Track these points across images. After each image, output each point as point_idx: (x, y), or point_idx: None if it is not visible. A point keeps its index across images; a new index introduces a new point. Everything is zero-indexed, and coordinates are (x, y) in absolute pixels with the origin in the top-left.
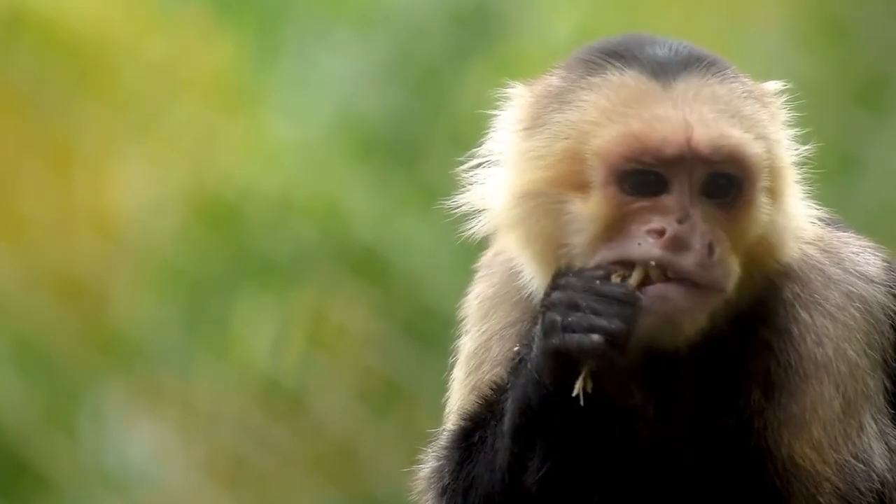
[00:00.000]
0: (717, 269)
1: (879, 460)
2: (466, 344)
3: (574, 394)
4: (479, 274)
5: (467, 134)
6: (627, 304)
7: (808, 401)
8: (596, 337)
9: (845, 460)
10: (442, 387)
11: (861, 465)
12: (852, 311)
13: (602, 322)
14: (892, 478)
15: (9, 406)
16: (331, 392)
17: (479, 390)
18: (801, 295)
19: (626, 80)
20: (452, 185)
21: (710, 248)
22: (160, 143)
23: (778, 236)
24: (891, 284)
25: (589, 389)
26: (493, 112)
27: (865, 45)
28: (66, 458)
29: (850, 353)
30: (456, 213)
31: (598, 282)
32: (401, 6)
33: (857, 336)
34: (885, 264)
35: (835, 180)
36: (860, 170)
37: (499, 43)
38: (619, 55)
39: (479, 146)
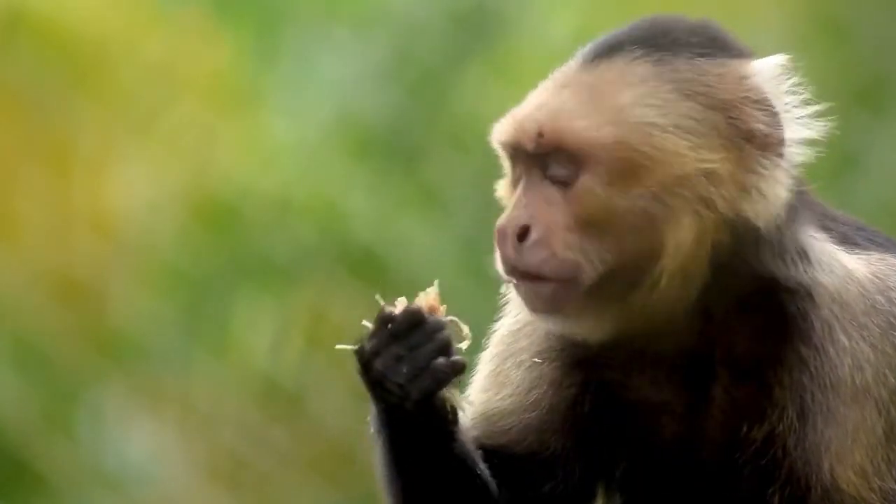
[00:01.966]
0: (533, 254)
1: None
2: (482, 369)
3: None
4: (506, 307)
5: (467, 134)
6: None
7: (850, 426)
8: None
9: (890, 487)
10: None
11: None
12: (893, 338)
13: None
14: None
15: (7, 406)
16: (330, 392)
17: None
18: (841, 318)
19: (566, 66)
20: (452, 186)
21: (523, 231)
22: (159, 144)
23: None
24: None
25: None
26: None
27: (865, 45)
28: (65, 459)
29: (891, 379)
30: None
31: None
32: (400, 7)
33: None
34: None
35: (834, 180)
36: (860, 170)
37: (498, 43)
38: (596, 40)
39: (479, 147)
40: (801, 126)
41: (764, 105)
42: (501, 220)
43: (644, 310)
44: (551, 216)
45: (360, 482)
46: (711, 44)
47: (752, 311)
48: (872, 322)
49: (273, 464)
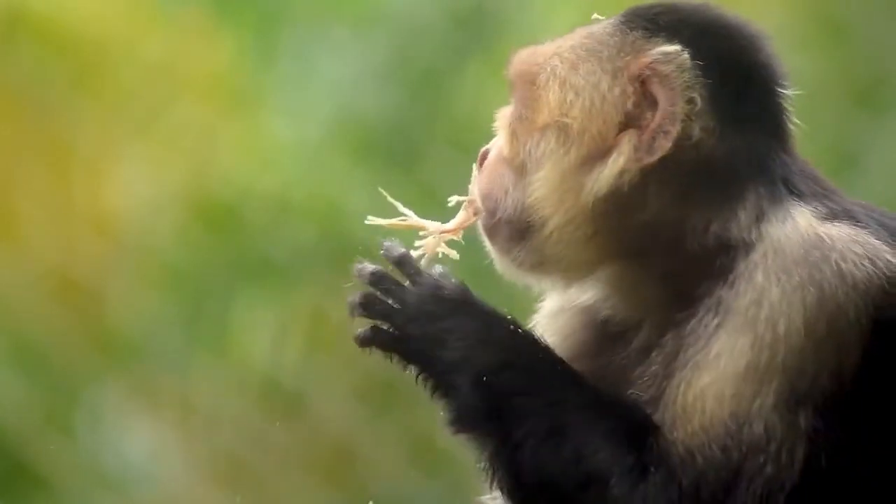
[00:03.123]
0: (479, 180)
1: (761, 427)
2: None
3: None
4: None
5: (466, 134)
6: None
7: (716, 348)
8: None
9: (720, 415)
10: None
11: (734, 426)
12: (809, 295)
13: None
14: (774, 449)
15: (7, 406)
16: (330, 392)
17: None
18: (771, 262)
19: None
20: (452, 186)
21: (483, 156)
22: (159, 144)
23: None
24: (874, 292)
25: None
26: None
27: (865, 45)
28: (65, 459)
29: (782, 327)
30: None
31: None
32: (399, 7)
33: (801, 317)
34: (882, 273)
35: (834, 180)
36: (859, 170)
37: (497, 43)
38: None
39: (479, 147)
40: (675, 120)
41: (658, 87)
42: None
43: (552, 257)
44: (497, 145)
45: (359, 482)
46: (668, 24)
47: (686, 273)
48: (797, 271)
49: (273, 464)
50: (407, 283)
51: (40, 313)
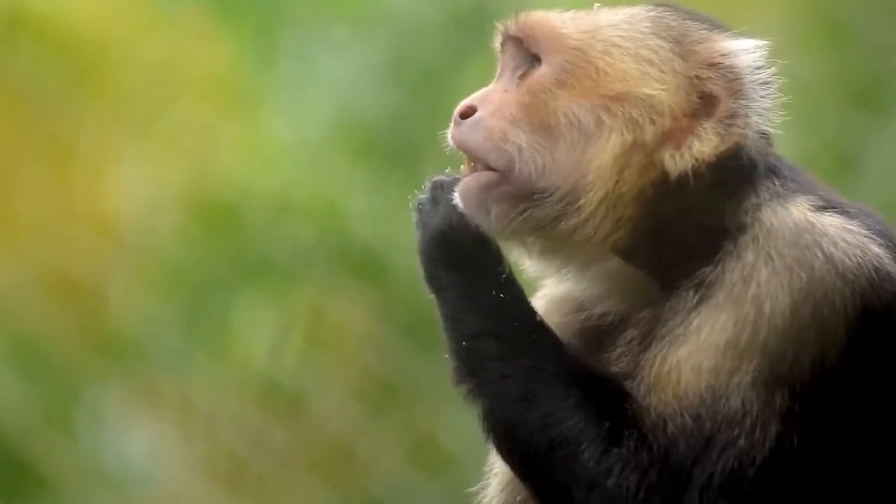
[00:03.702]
0: (471, 132)
1: (737, 401)
2: None
3: None
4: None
5: None
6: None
7: (696, 322)
8: None
9: (696, 387)
10: (441, 387)
11: (710, 398)
12: (797, 277)
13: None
14: (749, 424)
15: (8, 406)
16: (330, 392)
17: None
18: (762, 243)
19: None
20: None
21: (468, 111)
22: (159, 144)
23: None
24: (861, 282)
25: None
26: None
27: (865, 45)
28: (65, 459)
29: (768, 307)
30: None
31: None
32: (399, 7)
33: (788, 298)
34: (871, 264)
35: (833, 180)
36: (859, 170)
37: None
38: None
39: None
40: (755, 112)
41: (731, 78)
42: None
43: (570, 245)
44: (503, 103)
45: (359, 482)
46: (716, 22)
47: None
48: (788, 252)
49: (272, 463)
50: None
51: (40, 313)
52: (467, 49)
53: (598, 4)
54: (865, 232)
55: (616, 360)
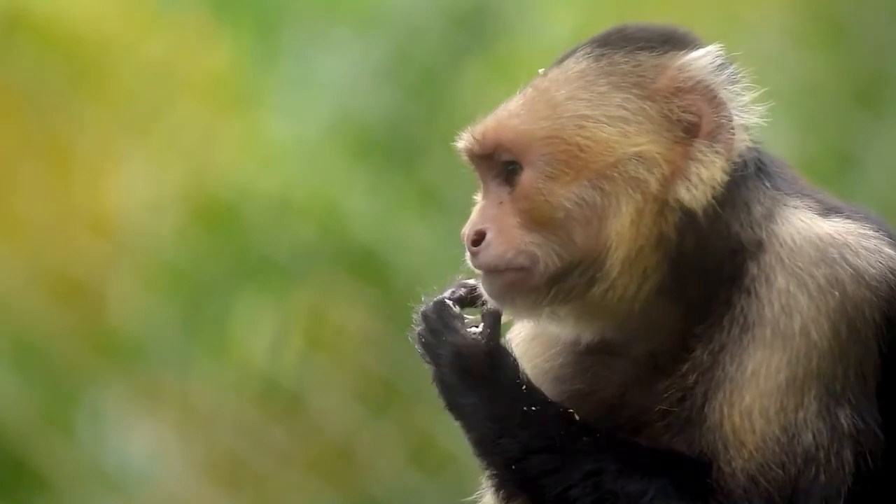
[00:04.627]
0: (489, 253)
1: (810, 437)
2: None
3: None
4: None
5: None
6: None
7: (752, 366)
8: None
9: (770, 431)
10: None
11: (785, 439)
12: (832, 297)
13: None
14: (824, 456)
15: (8, 406)
16: (329, 392)
17: None
18: (787, 262)
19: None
20: (452, 186)
21: (479, 236)
22: (159, 144)
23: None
24: (884, 288)
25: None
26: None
27: (865, 45)
28: (65, 459)
29: (814, 335)
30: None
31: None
32: (399, 7)
33: (828, 321)
34: (888, 268)
35: (834, 180)
36: (859, 170)
37: (496, 43)
38: None
39: None
40: (738, 112)
41: (700, 93)
42: (465, 227)
43: (603, 307)
44: (503, 216)
45: (358, 482)
46: (660, 39)
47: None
48: (818, 272)
49: (272, 463)
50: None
51: (40, 313)
52: (467, 49)
53: (542, 70)
54: (877, 234)
55: (668, 401)
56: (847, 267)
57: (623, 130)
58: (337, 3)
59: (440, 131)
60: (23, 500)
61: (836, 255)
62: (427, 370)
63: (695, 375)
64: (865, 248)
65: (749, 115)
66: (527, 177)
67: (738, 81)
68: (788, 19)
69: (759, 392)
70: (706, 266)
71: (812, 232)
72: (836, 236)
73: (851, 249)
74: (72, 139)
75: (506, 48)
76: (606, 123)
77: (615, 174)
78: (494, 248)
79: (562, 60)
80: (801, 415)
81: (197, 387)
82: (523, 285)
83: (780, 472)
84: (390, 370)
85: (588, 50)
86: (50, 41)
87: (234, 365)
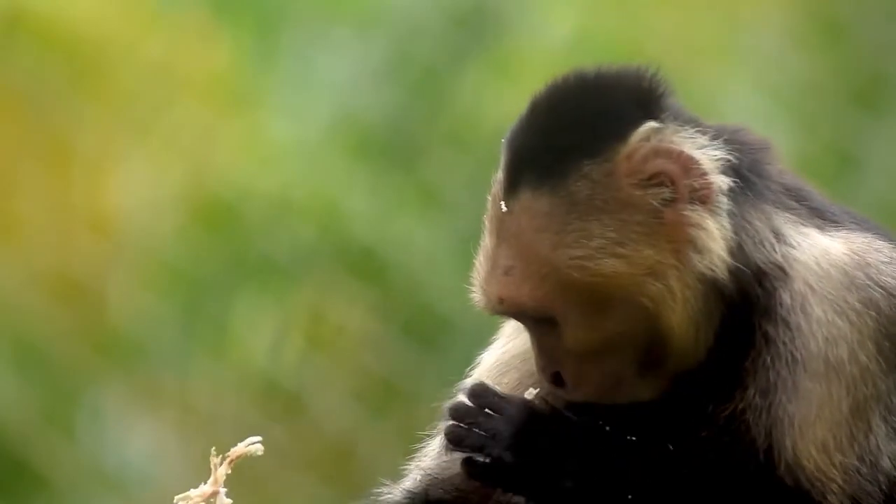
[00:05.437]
0: (577, 393)
1: (887, 460)
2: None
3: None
4: (503, 331)
5: (466, 134)
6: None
7: (815, 401)
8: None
9: (851, 462)
10: (441, 387)
11: (866, 468)
12: (870, 318)
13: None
14: None
15: (7, 406)
16: (329, 392)
17: None
18: (818, 289)
19: (493, 202)
20: (451, 185)
21: (557, 378)
22: (159, 144)
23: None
24: None
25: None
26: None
27: (864, 45)
28: (65, 459)
29: (863, 357)
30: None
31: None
32: (399, 7)
33: (871, 342)
34: None
35: (833, 180)
36: (859, 170)
37: (497, 44)
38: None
39: (479, 146)
40: (703, 153)
41: (661, 164)
42: (538, 369)
43: (679, 364)
44: (567, 357)
45: (358, 482)
46: (591, 134)
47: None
48: (852, 297)
49: (272, 463)
50: (492, 412)
51: (40, 313)
52: (467, 49)
53: (503, 205)
54: (883, 244)
55: (719, 414)
56: (878, 287)
57: (617, 253)
58: (337, 3)
59: (440, 131)
60: (23, 500)
61: (864, 278)
62: (426, 370)
63: (750, 409)
64: (883, 262)
65: (711, 148)
66: (565, 332)
67: (680, 115)
68: (788, 19)
69: (829, 427)
70: (737, 301)
71: (831, 256)
72: (857, 257)
73: (875, 268)
74: (72, 139)
75: (506, 48)
76: (603, 256)
77: (636, 291)
78: (580, 387)
79: (514, 190)
80: (871, 440)
81: (197, 387)
82: (619, 387)
83: (869, 497)
84: (390, 370)
85: (536, 181)
86: (50, 41)
87: (234, 365)
